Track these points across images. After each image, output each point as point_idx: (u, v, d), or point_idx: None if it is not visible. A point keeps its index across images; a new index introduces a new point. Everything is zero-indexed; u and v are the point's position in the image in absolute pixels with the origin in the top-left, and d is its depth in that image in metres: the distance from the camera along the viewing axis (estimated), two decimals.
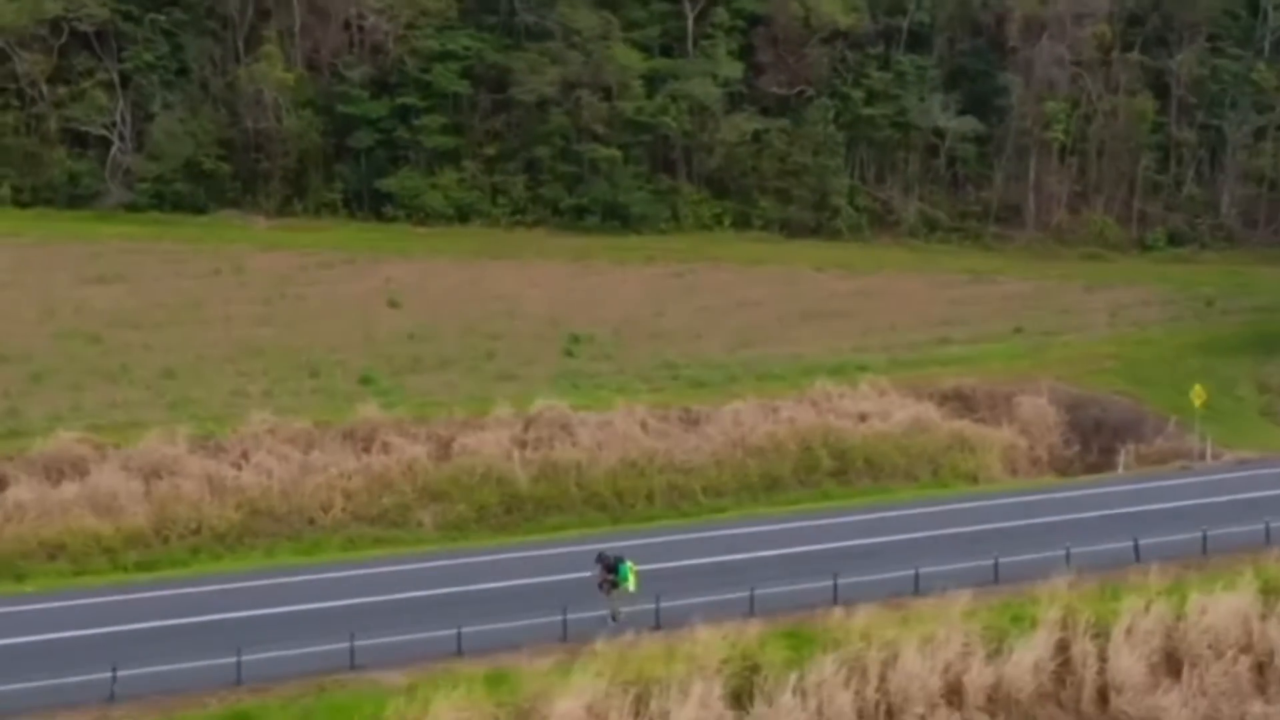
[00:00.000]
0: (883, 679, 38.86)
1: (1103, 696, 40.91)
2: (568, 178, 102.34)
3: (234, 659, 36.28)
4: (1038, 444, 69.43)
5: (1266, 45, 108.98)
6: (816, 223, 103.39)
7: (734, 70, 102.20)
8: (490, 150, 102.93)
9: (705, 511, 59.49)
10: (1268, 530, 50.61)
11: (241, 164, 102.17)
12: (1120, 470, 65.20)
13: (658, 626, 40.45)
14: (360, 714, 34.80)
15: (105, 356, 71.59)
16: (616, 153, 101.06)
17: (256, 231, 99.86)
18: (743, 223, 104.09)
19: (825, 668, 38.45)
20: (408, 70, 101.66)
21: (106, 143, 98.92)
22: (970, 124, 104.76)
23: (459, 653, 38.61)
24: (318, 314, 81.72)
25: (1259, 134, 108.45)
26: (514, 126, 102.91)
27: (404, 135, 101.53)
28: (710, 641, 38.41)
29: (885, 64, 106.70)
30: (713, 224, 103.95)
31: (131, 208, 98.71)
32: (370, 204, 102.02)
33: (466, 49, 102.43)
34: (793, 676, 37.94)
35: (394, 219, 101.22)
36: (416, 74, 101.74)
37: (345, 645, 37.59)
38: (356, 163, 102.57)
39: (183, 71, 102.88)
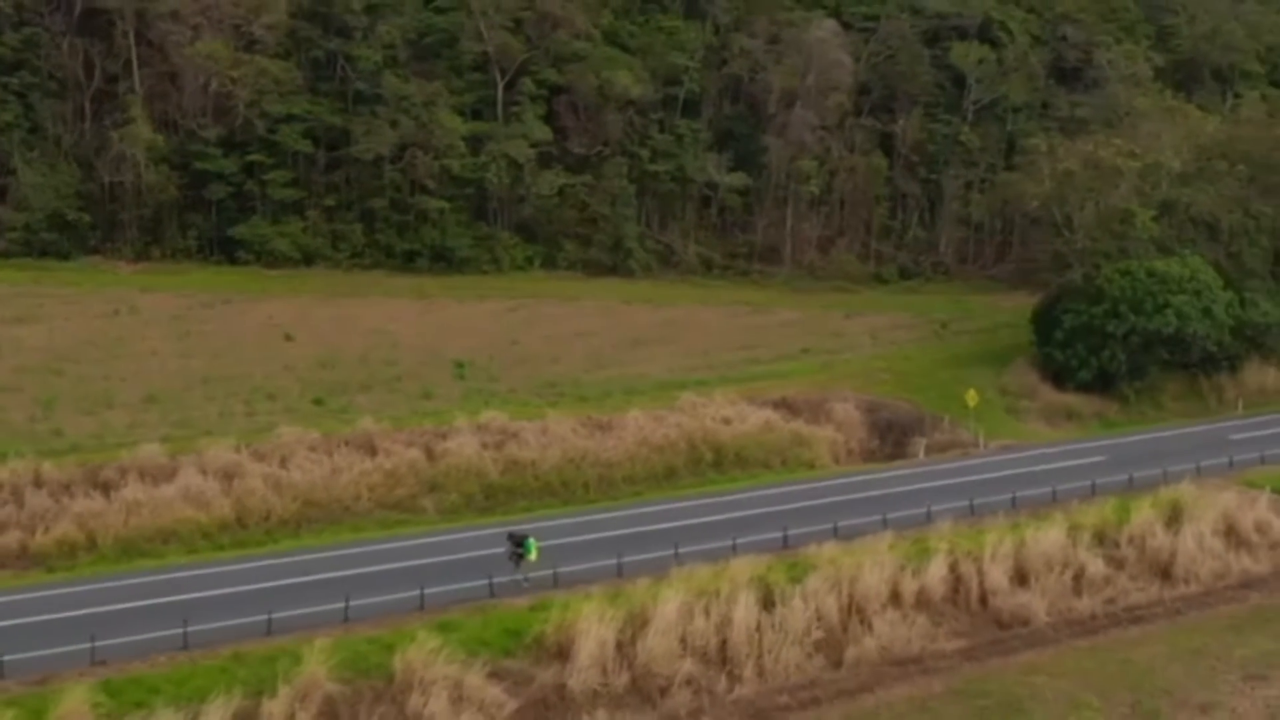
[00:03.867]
0: (851, 588, 58.50)
1: (983, 599, 61.90)
2: (400, 225, 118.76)
3: (342, 604, 54.31)
4: (850, 439, 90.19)
5: (970, 113, 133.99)
6: (613, 263, 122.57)
7: (544, 133, 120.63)
8: (330, 201, 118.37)
9: (626, 495, 77.76)
10: (1054, 493, 73.00)
11: (100, 214, 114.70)
12: (921, 455, 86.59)
13: (620, 577, 59.10)
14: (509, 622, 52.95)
15: (80, 386, 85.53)
16: (444, 204, 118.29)
17: (123, 275, 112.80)
18: (550, 264, 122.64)
19: (814, 583, 57.97)
20: (256, 130, 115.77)
21: None
22: (738, 179, 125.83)
23: (491, 595, 56.85)
24: (229, 348, 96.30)
25: (968, 186, 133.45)
26: (352, 181, 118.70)
27: (253, 188, 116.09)
28: (741, 567, 57.60)
29: (666, 128, 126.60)
30: (525, 265, 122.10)
31: (4, 255, 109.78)
32: (222, 249, 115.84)
33: (308, 112, 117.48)
34: (798, 587, 57.32)
35: (246, 263, 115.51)
36: (264, 134, 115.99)
37: (415, 593, 55.73)
38: (209, 212, 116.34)
39: (35, 130, 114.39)
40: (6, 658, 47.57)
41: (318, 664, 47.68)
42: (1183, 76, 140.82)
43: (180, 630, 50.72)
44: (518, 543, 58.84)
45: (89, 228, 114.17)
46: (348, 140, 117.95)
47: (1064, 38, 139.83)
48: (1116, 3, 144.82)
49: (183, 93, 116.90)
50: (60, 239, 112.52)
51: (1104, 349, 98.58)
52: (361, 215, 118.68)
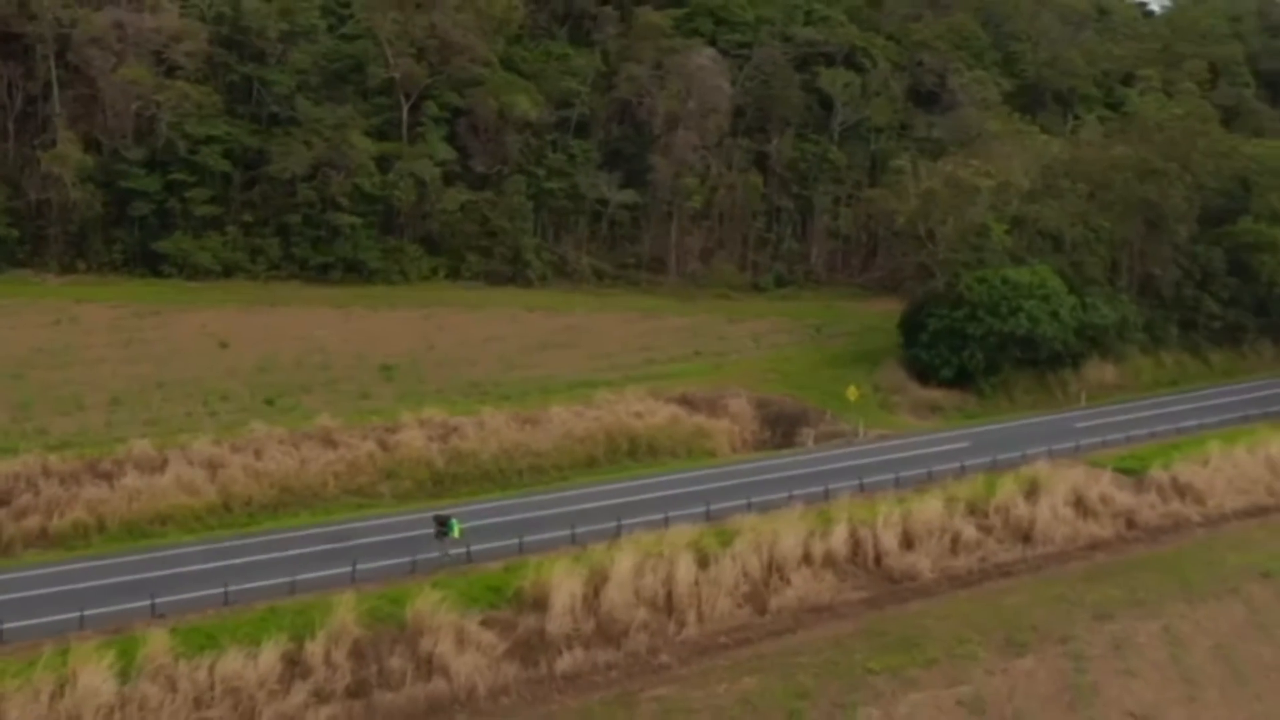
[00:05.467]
0: (770, 551, 70.20)
1: (878, 559, 73.97)
2: (315, 239, 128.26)
3: (350, 568, 64.94)
4: (745, 430, 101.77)
5: (837, 133, 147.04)
6: (513, 273, 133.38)
7: (448, 153, 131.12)
8: (248, 217, 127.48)
9: (555, 481, 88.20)
10: (930, 473, 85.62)
11: (27, 230, 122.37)
12: (810, 444, 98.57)
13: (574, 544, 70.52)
14: (490, 581, 64.36)
15: (46, 390, 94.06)
16: (356, 219, 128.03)
17: (53, 287, 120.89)
18: (454, 274, 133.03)
19: (740, 546, 69.62)
20: (177, 151, 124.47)
21: None
22: (627, 195, 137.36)
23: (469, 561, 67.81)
24: (171, 355, 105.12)
25: (836, 201, 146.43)
26: (268, 198, 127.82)
27: (175, 205, 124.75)
28: (678, 534, 69.06)
29: (560, 148, 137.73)
30: (431, 275, 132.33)
31: None
32: (146, 263, 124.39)
33: (227, 134, 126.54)
34: (727, 550, 68.91)
35: (169, 275, 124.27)
36: (185, 154, 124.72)
37: (408, 559, 66.33)
38: (133, 228, 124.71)
39: None
40: (86, 613, 57.12)
41: (346, 613, 57.96)
42: (1028, 100, 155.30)
43: (220, 590, 60.67)
44: (442, 523, 69.54)
45: (16, 242, 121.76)
46: (264, 160, 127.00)
47: (921, 64, 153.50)
48: (968, 31, 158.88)
49: (107, 115, 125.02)
50: None
51: (964, 349, 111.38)
52: (278, 230, 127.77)
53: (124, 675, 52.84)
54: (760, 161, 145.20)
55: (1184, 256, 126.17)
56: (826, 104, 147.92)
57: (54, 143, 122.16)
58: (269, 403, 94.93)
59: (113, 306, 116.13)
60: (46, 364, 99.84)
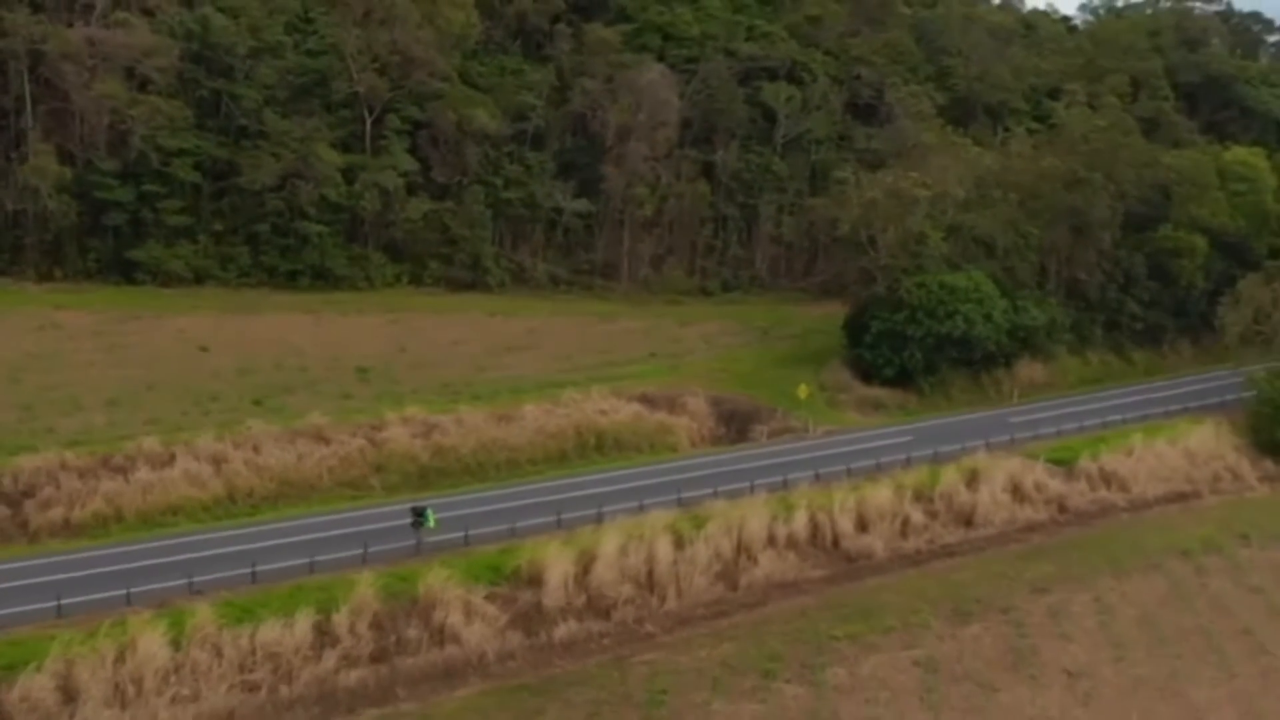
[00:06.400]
0: (739, 533, 77.71)
1: (835, 541, 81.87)
2: (283, 247, 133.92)
3: (361, 550, 71.92)
4: (702, 427, 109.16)
5: (780, 145, 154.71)
6: (472, 279, 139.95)
7: (410, 164, 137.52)
8: (219, 226, 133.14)
9: (530, 474, 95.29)
10: (878, 464, 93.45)
11: (4, 239, 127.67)
12: (764, 439, 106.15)
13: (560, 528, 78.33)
14: (489, 561, 71.20)
15: (44, 392, 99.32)
16: (323, 228, 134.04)
17: (32, 294, 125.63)
18: (417, 280, 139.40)
19: (711, 529, 77.09)
20: (150, 163, 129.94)
21: None
22: (581, 204, 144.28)
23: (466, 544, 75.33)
24: (155, 358, 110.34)
25: (780, 210, 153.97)
26: (238, 207, 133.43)
27: (147, 215, 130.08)
28: (656, 519, 76.45)
29: (517, 159, 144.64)
30: (394, 282, 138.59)
31: None
32: (120, 270, 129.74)
33: (197, 146, 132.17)
34: (700, 533, 76.35)
35: (142, 282, 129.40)
36: (158, 166, 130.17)
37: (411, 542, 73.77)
38: (107, 237, 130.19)
39: None
40: (131, 590, 63.74)
41: (366, 589, 64.90)
42: (960, 113, 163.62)
43: (248, 570, 67.43)
44: (418, 514, 77.05)
45: None
46: (234, 171, 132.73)
47: (859, 78, 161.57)
48: (903, 47, 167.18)
49: (82, 128, 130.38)
50: None
51: (904, 350, 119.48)
52: (247, 239, 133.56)
53: (175, 644, 59.47)
54: (707, 171, 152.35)
55: (1108, 261, 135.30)
56: (770, 117, 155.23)
57: (27, 155, 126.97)
58: (257, 403, 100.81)
59: (93, 313, 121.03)
60: (39, 368, 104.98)
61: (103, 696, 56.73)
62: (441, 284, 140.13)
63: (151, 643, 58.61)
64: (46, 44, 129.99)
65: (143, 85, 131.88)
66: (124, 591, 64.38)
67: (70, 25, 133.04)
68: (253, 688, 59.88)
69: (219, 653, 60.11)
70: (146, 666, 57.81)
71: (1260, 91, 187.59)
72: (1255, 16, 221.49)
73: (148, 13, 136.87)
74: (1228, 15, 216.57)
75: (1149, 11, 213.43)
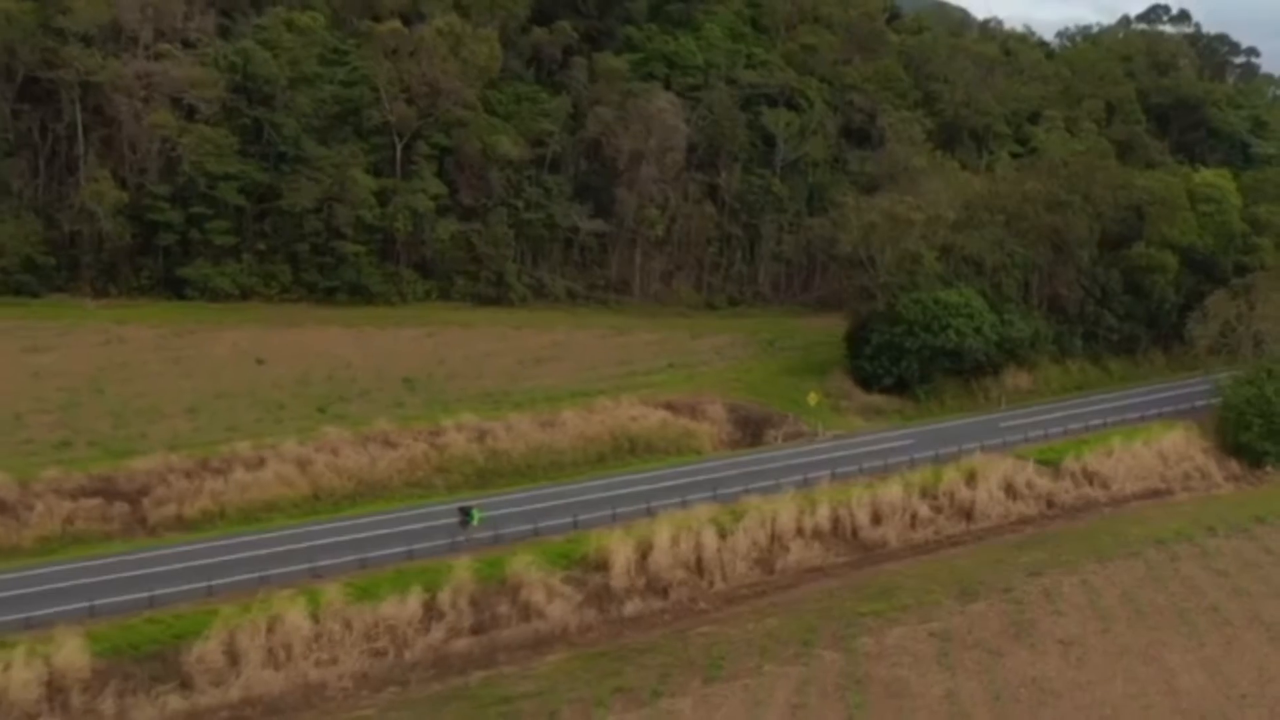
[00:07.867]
0: (772, 525, 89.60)
1: (854, 532, 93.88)
2: (322, 266, 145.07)
3: (449, 540, 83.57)
4: (721, 431, 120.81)
5: (779, 168, 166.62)
6: (496, 295, 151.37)
7: (440, 188, 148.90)
8: (262, 245, 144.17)
9: (574, 475, 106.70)
10: (886, 464, 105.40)
11: (63, 258, 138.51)
12: (779, 443, 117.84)
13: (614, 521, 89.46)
14: (560, 549, 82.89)
15: (127, 402, 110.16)
16: (359, 247, 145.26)
17: (90, 310, 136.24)
18: (445, 296, 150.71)
19: (748, 522, 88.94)
20: (198, 187, 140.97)
21: None
22: (596, 224, 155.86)
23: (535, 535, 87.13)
24: (216, 369, 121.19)
25: (780, 229, 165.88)
26: (279, 228, 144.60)
27: (195, 235, 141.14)
28: (700, 512, 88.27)
29: (536, 182, 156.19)
30: (424, 297, 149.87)
31: None
32: (170, 287, 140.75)
33: (241, 171, 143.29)
34: (739, 525, 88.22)
35: (191, 298, 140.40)
36: (205, 190, 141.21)
37: (490, 533, 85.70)
38: (158, 256, 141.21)
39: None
40: (266, 573, 75.39)
41: (464, 572, 76.60)
42: (947, 137, 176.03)
43: (357, 557, 79.06)
44: (465, 513, 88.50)
45: (54, 269, 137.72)
46: (275, 194, 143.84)
47: (852, 103, 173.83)
48: (893, 74, 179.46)
49: (133, 154, 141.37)
50: (31, 279, 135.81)
51: (902, 360, 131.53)
52: (289, 257, 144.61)
53: (314, 617, 71.05)
54: (712, 193, 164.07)
55: (1086, 278, 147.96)
56: (769, 141, 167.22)
57: (80, 180, 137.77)
58: (321, 410, 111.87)
59: (149, 327, 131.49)
60: (116, 379, 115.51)
61: (260, 660, 68.22)
62: (468, 299, 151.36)
63: (296, 616, 70.17)
64: (98, 76, 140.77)
65: (190, 114, 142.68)
66: (258, 575, 75.71)
67: (117, 56, 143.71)
68: (379, 654, 71.55)
69: (349, 625, 71.68)
70: (294, 635, 69.39)
71: (1227, 114, 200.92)
72: (1223, 39, 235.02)
73: (188, 44, 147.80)
74: (1196, 38, 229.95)
75: (1121, 35, 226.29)
